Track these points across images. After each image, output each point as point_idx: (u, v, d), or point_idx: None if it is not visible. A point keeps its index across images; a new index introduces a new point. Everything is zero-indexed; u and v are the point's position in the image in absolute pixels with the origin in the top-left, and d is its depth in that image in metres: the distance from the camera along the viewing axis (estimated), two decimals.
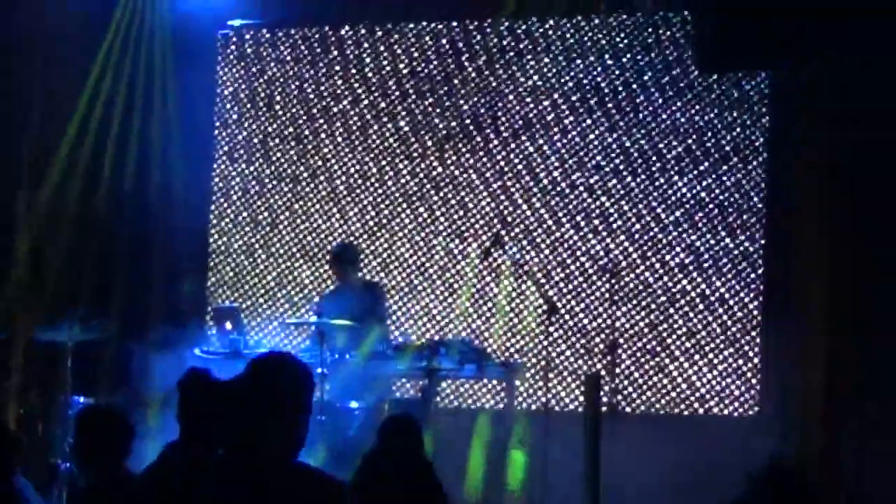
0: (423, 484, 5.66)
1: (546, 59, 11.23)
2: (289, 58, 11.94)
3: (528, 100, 11.27)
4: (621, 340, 10.65)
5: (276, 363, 4.27)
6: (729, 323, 10.68)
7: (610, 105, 11.10)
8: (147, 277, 11.69)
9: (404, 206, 11.54)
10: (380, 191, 11.62)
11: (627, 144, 11.03)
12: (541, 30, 11.30)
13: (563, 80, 11.21)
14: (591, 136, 11.13)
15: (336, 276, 10.62)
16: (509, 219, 11.19)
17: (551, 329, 10.10)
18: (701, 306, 10.76)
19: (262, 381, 4.19)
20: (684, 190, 10.88)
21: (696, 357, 10.74)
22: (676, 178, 10.89)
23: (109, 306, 11.13)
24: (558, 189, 11.16)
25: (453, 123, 11.45)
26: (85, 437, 6.21)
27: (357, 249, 10.78)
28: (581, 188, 11.11)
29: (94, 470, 6.11)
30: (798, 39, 8.94)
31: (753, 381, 10.61)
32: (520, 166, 11.25)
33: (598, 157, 11.08)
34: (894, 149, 9.16)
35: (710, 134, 10.87)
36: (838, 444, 8.87)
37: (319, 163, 11.81)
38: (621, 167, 11.02)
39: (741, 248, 10.71)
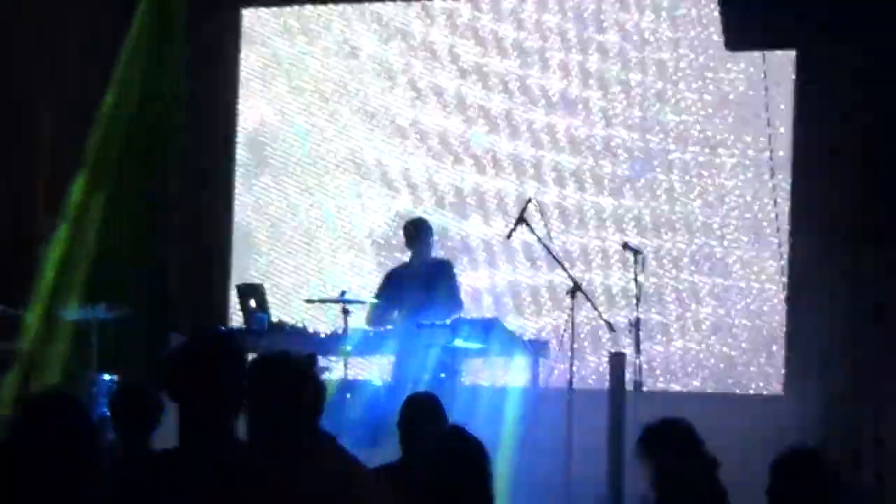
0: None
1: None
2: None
3: (559, 73, 11.21)
4: (645, 318, 10.56)
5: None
6: (753, 301, 10.65)
7: (637, 83, 11.05)
8: (172, 257, 11.71)
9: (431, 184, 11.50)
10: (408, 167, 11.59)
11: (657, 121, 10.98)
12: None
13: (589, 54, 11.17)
14: (619, 114, 11.08)
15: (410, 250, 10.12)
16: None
17: (575, 307, 10.02)
18: (725, 284, 10.71)
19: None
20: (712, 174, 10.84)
21: (721, 335, 10.70)
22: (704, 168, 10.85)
23: (133, 286, 11.14)
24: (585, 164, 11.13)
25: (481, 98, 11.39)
26: (119, 414, 6.49)
27: (427, 225, 10.19)
28: (606, 169, 11.09)
29: (125, 443, 6.37)
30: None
31: (778, 359, 10.57)
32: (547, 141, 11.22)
33: (623, 135, 11.04)
34: None
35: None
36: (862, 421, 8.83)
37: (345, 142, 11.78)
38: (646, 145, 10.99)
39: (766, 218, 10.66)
